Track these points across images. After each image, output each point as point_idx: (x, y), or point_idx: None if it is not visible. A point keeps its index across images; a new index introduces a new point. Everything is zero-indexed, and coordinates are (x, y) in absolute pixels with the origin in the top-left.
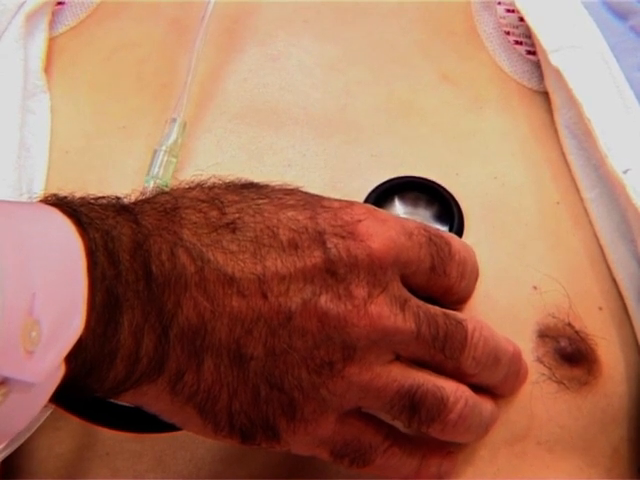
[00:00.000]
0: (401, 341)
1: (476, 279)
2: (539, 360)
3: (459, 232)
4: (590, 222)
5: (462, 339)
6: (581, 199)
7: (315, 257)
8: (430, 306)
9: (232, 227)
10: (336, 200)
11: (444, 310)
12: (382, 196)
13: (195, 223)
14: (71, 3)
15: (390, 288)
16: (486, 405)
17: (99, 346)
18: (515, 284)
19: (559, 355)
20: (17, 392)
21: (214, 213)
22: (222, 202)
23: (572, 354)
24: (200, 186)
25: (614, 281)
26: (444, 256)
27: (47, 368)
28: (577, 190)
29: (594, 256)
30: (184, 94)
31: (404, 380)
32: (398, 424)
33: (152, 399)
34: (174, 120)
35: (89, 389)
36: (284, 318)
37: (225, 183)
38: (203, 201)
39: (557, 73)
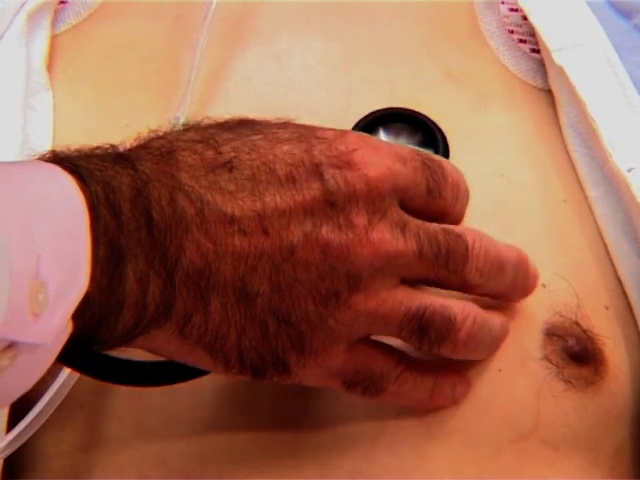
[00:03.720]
0: (404, 264)
1: (467, 201)
2: (547, 358)
3: (445, 156)
4: (595, 220)
5: (464, 252)
6: (586, 197)
7: (313, 189)
8: (429, 224)
9: (229, 166)
10: (329, 129)
11: (443, 226)
12: (367, 128)
13: (192, 165)
14: (74, 2)
15: (389, 214)
16: (495, 320)
17: (106, 299)
18: None
19: (567, 354)
20: (25, 354)
21: (210, 153)
22: (217, 141)
23: (580, 353)
24: (194, 127)
25: (619, 280)
26: (438, 179)
27: (54, 329)
28: (582, 188)
29: (600, 254)
30: (187, 93)
31: (411, 303)
32: (409, 348)
33: (162, 343)
34: (177, 119)
35: (99, 341)
36: (287, 252)
37: (219, 122)
38: (198, 142)
39: (561, 72)
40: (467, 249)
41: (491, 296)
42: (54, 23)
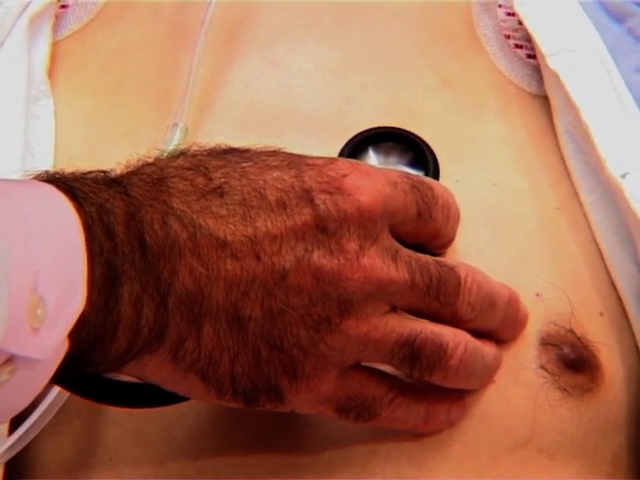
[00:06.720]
0: (396, 291)
1: (458, 221)
2: (542, 367)
3: (435, 177)
4: (590, 227)
5: (456, 285)
6: (580, 204)
7: (304, 214)
8: (421, 255)
9: (219, 192)
10: (319, 157)
11: (435, 258)
12: (357, 147)
13: (183, 191)
14: (74, 6)
15: (380, 240)
16: (488, 350)
17: (101, 319)
18: (519, 292)
19: (562, 362)
20: (23, 369)
21: (200, 179)
22: (207, 168)
23: (575, 361)
24: (183, 154)
25: (614, 286)
26: (428, 201)
27: (53, 344)
28: (576, 195)
29: (594, 261)
30: (185, 99)
31: (402, 329)
32: (401, 375)
33: (154, 369)
34: (175, 125)
35: (93, 363)
36: (279, 277)
37: (207, 150)
38: (188, 169)
39: (556, 77)
40: (459, 282)
41: (480, 332)
42: (56, 29)
